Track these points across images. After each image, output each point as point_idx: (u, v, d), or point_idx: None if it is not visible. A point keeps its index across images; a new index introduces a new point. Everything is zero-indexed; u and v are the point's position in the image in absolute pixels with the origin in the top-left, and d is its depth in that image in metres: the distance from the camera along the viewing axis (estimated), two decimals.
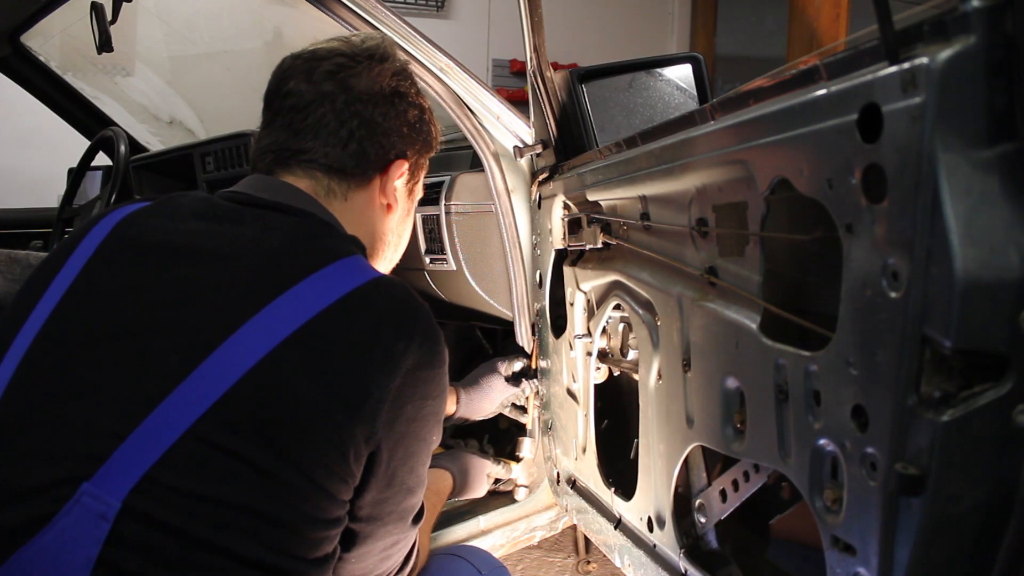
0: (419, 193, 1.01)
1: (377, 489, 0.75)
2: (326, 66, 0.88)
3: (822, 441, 0.66)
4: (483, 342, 2.31)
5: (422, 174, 1.00)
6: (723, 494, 0.97)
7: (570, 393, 1.35)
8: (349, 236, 0.86)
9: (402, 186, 0.95)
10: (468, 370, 1.46)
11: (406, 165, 0.93)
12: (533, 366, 1.47)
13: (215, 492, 0.66)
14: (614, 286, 1.16)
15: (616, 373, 1.29)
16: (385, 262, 0.99)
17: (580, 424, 1.32)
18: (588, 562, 1.75)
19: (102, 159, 2.09)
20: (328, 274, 0.75)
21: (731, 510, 0.97)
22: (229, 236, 0.78)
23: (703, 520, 0.99)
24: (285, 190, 0.85)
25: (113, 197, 1.74)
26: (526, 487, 1.48)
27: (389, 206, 0.94)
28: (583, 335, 1.29)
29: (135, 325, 0.73)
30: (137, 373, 0.70)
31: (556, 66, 1.39)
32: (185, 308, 0.73)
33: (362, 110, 0.88)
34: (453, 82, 1.33)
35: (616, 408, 1.36)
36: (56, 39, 2.22)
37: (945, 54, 0.49)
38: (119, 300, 0.75)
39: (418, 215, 1.51)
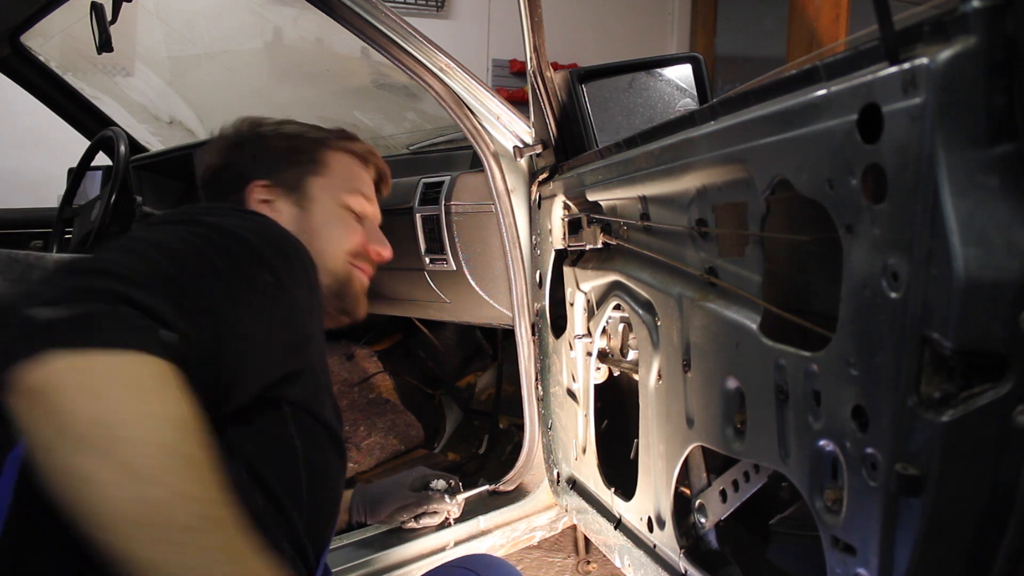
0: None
1: None
2: None
3: (822, 441, 0.66)
4: (483, 342, 2.31)
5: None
6: (723, 494, 0.97)
7: (570, 393, 1.35)
8: None
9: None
10: (467, 370, 1.45)
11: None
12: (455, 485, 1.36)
13: None
14: (614, 286, 1.16)
15: (616, 373, 1.29)
16: None
17: (580, 424, 1.32)
18: (588, 562, 1.75)
19: (102, 159, 2.09)
20: None
21: (731, 510, 0.97)
22: None
23: (703, 520, 0.99)
24: None
25: (113, 197, 1.73)
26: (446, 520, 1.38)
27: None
28: (583, 335, 1.28)
29: None
30: None
31: (556, 66, 1.39)
32: None
33: None
34: (453, 82, 1.33)
35: (616, 408, 1.36)
36: (56, 39, 2.22)
37: (945, 54, 0.49)
38: None
39: (418, 215, 1.51)
